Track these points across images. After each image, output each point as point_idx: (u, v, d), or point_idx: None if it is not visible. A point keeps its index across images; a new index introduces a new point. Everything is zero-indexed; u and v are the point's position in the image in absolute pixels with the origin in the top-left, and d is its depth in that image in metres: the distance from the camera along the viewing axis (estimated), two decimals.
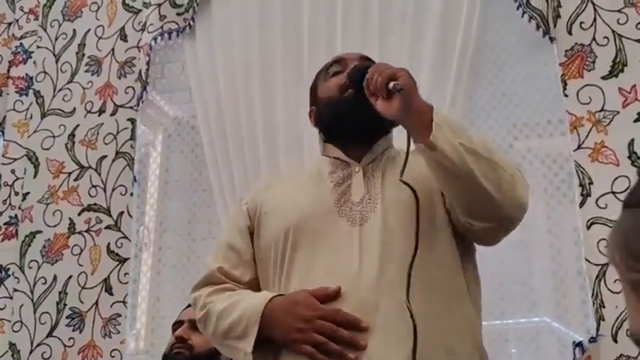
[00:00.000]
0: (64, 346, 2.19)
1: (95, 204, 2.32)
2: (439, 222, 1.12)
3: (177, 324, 1.78)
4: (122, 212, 2.28)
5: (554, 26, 2.02)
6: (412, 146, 1.09)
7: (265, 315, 1.06)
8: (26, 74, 2.60)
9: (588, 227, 1.84)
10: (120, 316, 2.18)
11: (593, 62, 1.96)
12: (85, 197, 2.33)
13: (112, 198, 2.30)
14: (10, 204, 2.46)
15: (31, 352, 2.21)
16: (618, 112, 1.91)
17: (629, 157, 1.85)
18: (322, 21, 2.21)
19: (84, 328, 2.19)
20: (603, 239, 1.77)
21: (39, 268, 2.30)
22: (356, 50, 2.12)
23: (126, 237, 2.26)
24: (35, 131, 2.48)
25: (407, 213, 1.09)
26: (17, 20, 2.69)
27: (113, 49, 2.48)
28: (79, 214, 2.32)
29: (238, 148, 2.17)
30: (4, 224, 2.45)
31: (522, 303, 2.04)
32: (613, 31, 1.96)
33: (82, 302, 2.22)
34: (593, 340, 1.78)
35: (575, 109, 1.95)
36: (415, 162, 1.08)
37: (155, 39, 2.38)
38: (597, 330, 1.77)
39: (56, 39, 2.57)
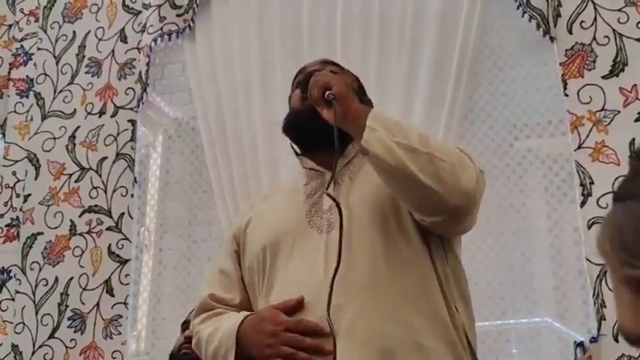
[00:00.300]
0: (66, 347, 2.20)
1: (96, 205, 2.32)
2: (405, 221, 1.12)
3: (186, 324, 1.78)
4: (123, 213, 2.29)
5: (555, 26, 2.02)
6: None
7: (239, 336, 1.10)
8: (27, 76, 2.60)
9: (589, 227, 1.84)
10: (121, 317, 2.19)
11: (594, 62, 1.96)
12: (85, 199, 2.34)
13: (113, 199, 2.31)
14: (11, 206, 2.47)
15: (33, 353, 2.22)
16: (619, 112, 1.91)
17: (630, 157, 1.85)
18: (322, 21, 2.21)
19: (85, 329, 2.20)
20: None
21: (40, 269, 2.31)
22: (356, 50, 2.15)
23: (127, 238, 2.26)
24: (36, 133, 2.49)
25: (372, 218, 1.12)
26: (18, 22, 2.69)
27: (113, 51, 2.49)
28: (79, 216, 2.32)
29: (238, 149, 2.17)
30: (6, 226, 2.46)
31: (523, 303, 2.03)
32: (614, 31, 1.96)
33: (83, 304, 2.22)
34: (594, 340, 1.78)
35: (575, 109, 1.94)
36: None
37: (155, 40, 2.38)
38: (598, 330, 1.77)
39: (56, 41, 2.58)
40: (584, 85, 1.95)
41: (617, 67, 1.93)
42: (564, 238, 2.04)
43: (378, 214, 1.12)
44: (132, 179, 2.32)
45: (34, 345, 2.23)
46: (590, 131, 1.91)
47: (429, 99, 2.05)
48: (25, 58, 2.63)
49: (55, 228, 2.34)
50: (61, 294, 2.25)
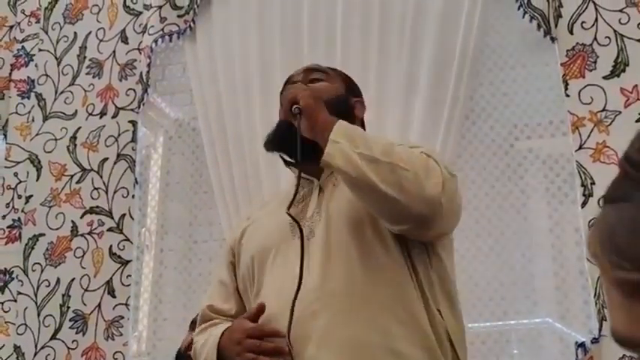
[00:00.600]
0: (68, 348, 2.21)
1: (97, 206, 2.32)
2: (381, 228, 1.13)
3: (194, 323, 1.78)
4: (124, 214, 2.29)
5: (556, 26, 2.01)
6: None
7: (220, 348, 1.14)
8: (28, 77, 2.60)
9: (590, 227, 1.83)
10: (122, 318, 2.19)
11: (595, 62, 1.95)
12: (87, 200, 2.34)
13: (114, 200, 2.31)
14: (13, 207, 2.47)
15: (35, 354, 2.23)
16: (620, 112, 1.90)
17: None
18: (322, 22, 2.20)
19: (87, 330, 2.20)
20: None
21: (42, 271, 2.31)
22: (356, 50, 2.15)
23: (128, 239, 2.27)
24: (37, 134, 2.49)
25: (349, 225, 1.13)
26: (19, 23, 2.70)
27: (114, 52, 2.49)
28: (81, 217, 2.33)
29: (238, 150, 2.18)
30: (8, 227, 2.46)
31: (524, 303, 2.03)
32: (614, 31, 1.95)
33: (84, 305, 2.23)
34: (595, 340, 1.78)
35: (576, 110, 1.94)
36: None
37: (156, 41, 2.38)
38: (600, 330, 1.77)
39: (57, 42, 2.58)
40: (585, 86, 1.94)
41: (618, 67, 1.93)
42: (565, 238, 2.03)
43: (354, 221, 1.14)
44: (133, 180, 2.32)
45: (36, 346, 2.23)
46: (591, 132, 1.91)
47: (430, 99, 2.04)
48: (26, 59, 2.64)
49: (57, 229, 2.34)
50: (63, 295, 2.26)
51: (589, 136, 1.91)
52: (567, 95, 1.96)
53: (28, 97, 2.57)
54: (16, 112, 2.57)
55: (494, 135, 2.13)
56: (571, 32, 2.00)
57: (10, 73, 2.64)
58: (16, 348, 2.25)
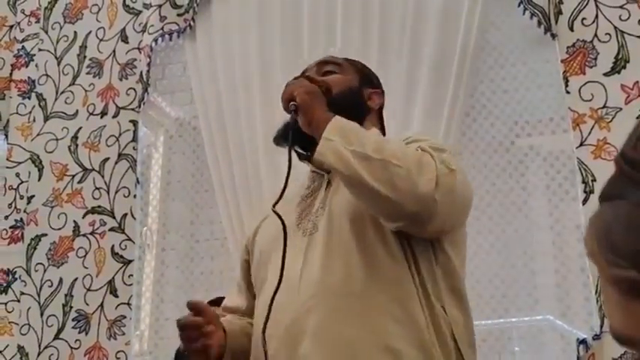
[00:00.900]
0: (71, 348, 2.21)
1: (99, 206, 2.33)
2: (382, 225, 1.12)
3: None
4: (126, 214, 2.29)
5: (556, 23, 2.01)
6: None
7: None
8: (28, 77, 2.60)
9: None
10: (125, 317, 2.20)
11: (595, 59, 1.95)
12: (88, 200, 2.34)
13: (116, 200, 2.31)
14: (15, 207, 2.48)
15: (38, 354, 2.23)
16: (621, 109, 1.90)
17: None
18: (322, 21, 2.20)
19: (90, 330, 2.21)
20: None
21: (45, 271, 2.32)
22: (356, 48, 2.14)
23: (130, 239, 2.27)
24: (38, 134, 2.49)
25: (350, 220, 1.13)
26: (19, 23, 2.69)
27: (114, 51, 2.49)
28: (83, 217, 2.33)
29: (239, 148, 2.18)
30: (10, 228, 2.47)
31: (525, 301, 2.03)
32: (615, 28, 1.95)
33: (87, 304, 2.24)
34: (596, 337, 1.78)
35: (577, 106, 1.93)
36: None
37: (156, 40, 2.38)
38: (601, 327, 1.77)
39: (57, 41, 2.58)
40: (585, 83, 1.94)
41: (619, 64, 1.92)
42: (566, 235, 2.03)
43: (355, 216, 1.13)
44: (134, 180, 2.32)
45: (39, 346, 2.24)
46: (592, 128, 1.90)
47: (430, 96, 2.04)
48: (26, 59, 2.64)
49: (59, 229, 2.35)
50: (66, 295, 2.27)
51: (590, 132, 1.90)
52: (568, 92, 1.95)
53: (29, 98, 2.57)
54: (17, 113, 2.57)
55: (495, 132, 2.13)
56: (571, 29, 1.99)
57: (11, 74, 2.63)
58: (20, 348, 2.26)
